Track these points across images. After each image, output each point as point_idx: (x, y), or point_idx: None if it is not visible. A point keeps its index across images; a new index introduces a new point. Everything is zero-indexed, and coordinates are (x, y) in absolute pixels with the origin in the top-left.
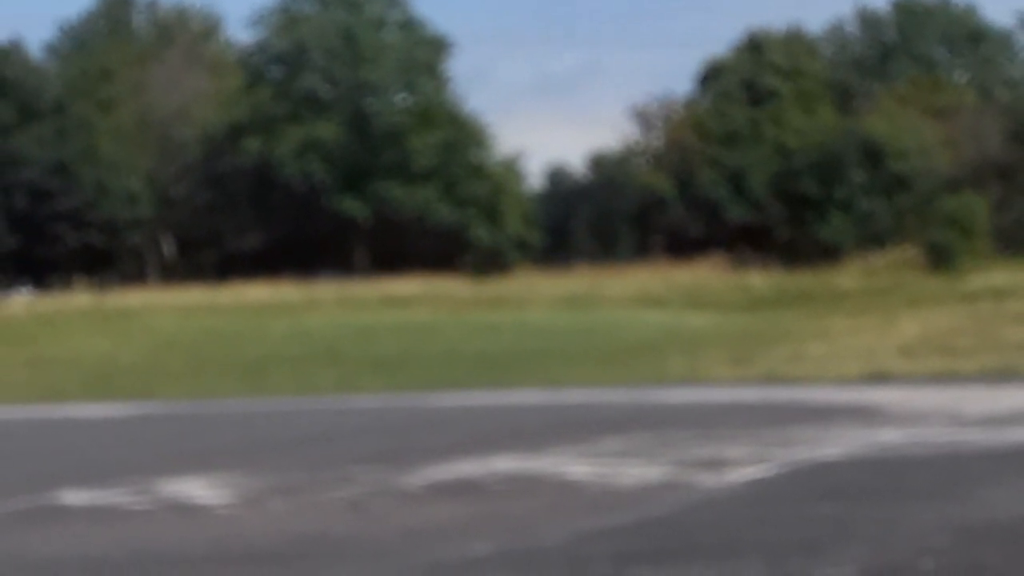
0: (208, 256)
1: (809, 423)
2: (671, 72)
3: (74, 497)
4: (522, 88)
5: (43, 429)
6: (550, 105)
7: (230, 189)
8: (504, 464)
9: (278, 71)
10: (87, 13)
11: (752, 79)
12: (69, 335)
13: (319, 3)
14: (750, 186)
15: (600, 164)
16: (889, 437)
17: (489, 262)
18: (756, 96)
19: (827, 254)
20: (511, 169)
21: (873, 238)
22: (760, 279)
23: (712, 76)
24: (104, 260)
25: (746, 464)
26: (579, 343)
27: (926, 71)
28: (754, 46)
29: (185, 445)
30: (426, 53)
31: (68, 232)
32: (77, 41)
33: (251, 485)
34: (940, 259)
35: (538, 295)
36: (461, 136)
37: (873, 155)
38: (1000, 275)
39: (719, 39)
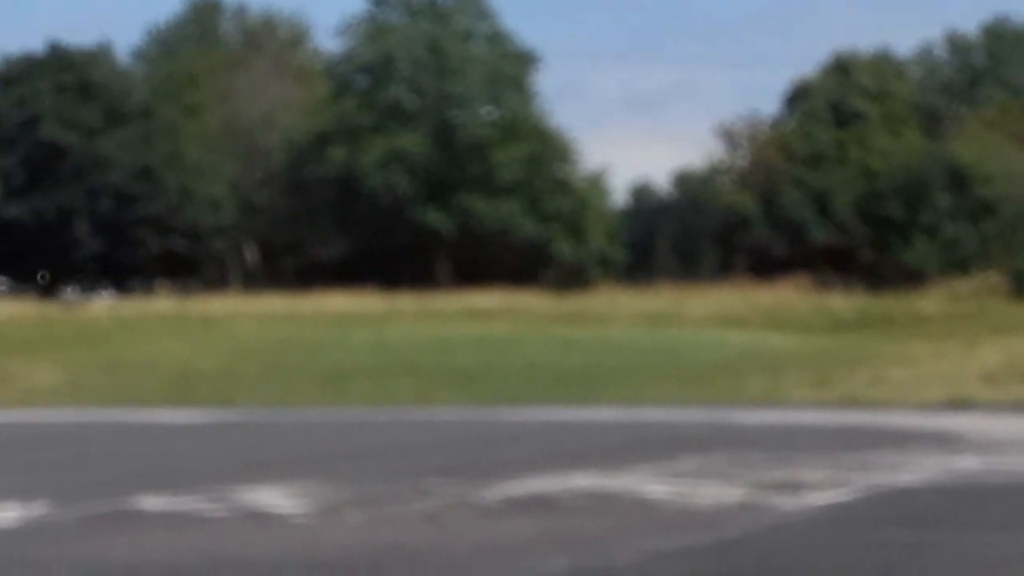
0: (290, 264)
1: (888, 448)
2: (759, 92)
3: (151, 503)
4: (611, 105)
5: (121, 433)
6: (638, 122)
7: (313, 198)
8: (581, 481)
9: (364, 81)
10: (175, 18)
11: (839, 101)
12: (149, 340)
13: (407, 14)
14: (834, 208)
15: (684, 182)
16: (968, 464)
17: (571, 277)
18: (842, 118)
19: (910, 278)
20: (596, 185)
21: (957, 263)
22: (842, 301)
23: (799, 97)
24: (186, 266)
25: (823, 488)
26: (659, 361)
27: (1014, 96)
28: (841, 68)
29: (263, 453)
30: (513, 66)
31: (151, 237)
32: (165, 46)
33: (328, 495)
34: None
35: (619, 312)
36: (546, 150)
37: (959, 180)
38: None
39: (807, 60)
